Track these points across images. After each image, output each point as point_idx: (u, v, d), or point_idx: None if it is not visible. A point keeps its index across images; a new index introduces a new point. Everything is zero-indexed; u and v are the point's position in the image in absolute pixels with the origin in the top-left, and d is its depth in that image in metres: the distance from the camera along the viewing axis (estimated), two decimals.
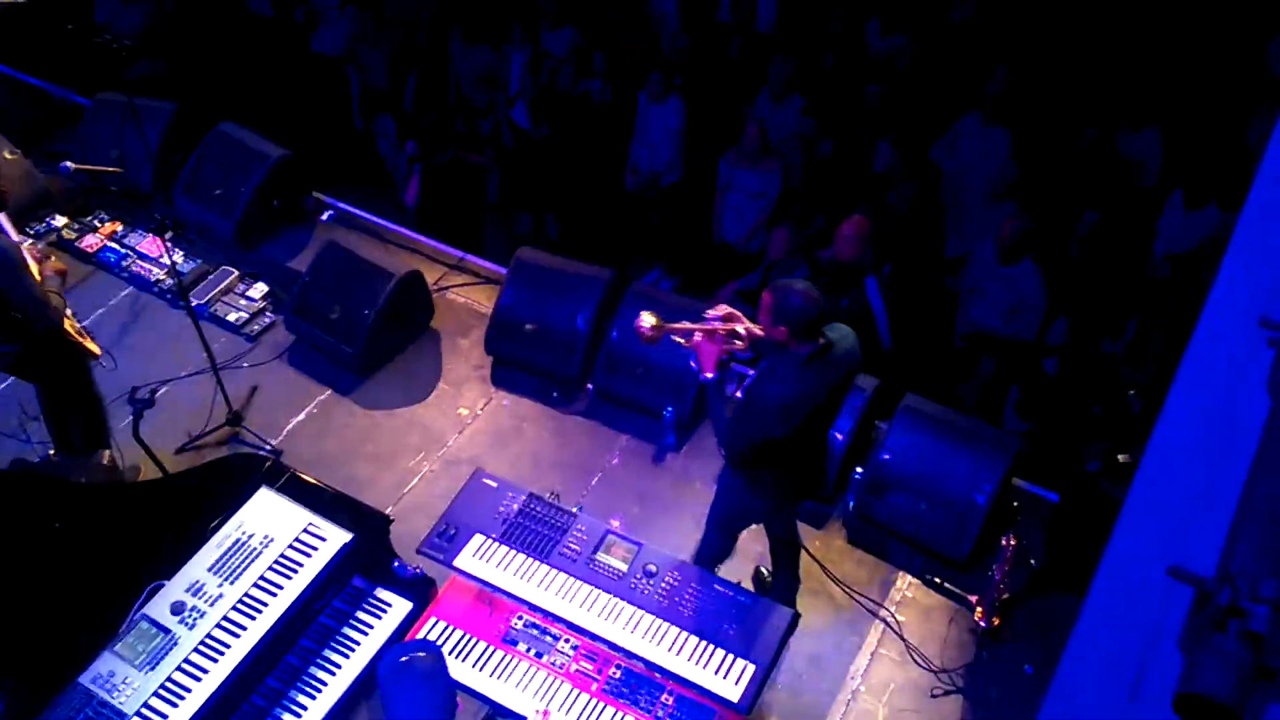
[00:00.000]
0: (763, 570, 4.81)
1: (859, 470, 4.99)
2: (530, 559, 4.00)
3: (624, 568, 3.96)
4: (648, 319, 3.77)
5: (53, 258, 5.47)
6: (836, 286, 5.78)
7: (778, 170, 6.55)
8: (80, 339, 4.78)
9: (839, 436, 4.91)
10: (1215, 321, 2.33)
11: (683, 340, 3.82)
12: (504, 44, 7.32)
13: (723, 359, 3.75)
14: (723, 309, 3.83)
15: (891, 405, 4.97)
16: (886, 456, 4.83)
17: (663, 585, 3.90)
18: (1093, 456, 5.33)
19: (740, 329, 3.75)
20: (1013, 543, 4.43)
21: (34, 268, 4.56)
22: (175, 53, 8.16)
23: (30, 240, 5.46)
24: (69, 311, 4.74)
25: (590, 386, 5.59)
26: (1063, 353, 5.61)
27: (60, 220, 6.54)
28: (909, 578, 4.78)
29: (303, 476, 4.05)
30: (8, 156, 6.48)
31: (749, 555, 4.74)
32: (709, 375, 3.74)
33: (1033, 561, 4.75)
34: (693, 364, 3.86)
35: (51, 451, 5.11)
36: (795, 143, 6.70)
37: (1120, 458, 4.91)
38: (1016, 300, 5.60)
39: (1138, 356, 5.43)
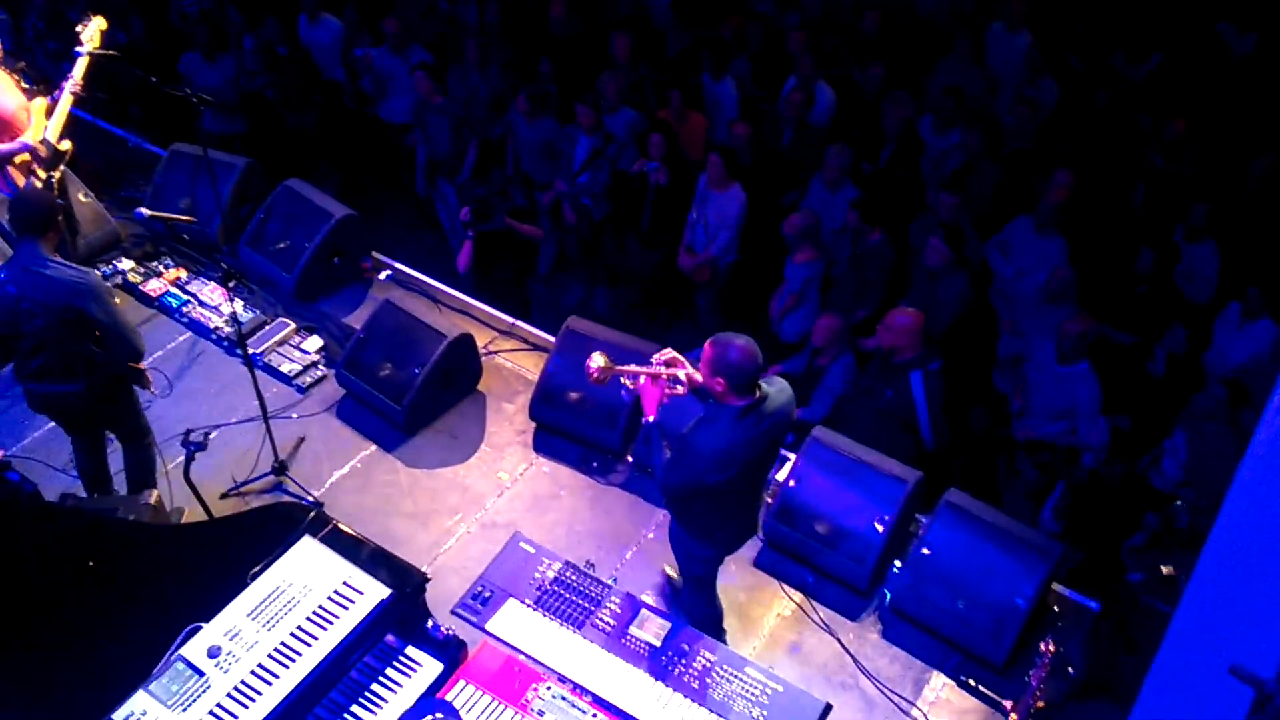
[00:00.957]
0: (668, 569, 4.87)
1: (897, 564, 4.95)
2: (563, 628, 4.00)
3: (656, 644, 3.95)
4: (597, 359, 3.94)
5: (117, 299, 5.66)
6: (881, 377, 5.81)
7: (804, 258, 6.64)
8: (142, 369, 4.90)
9: (879, 528, 4.88)
10: (1271, 433, 2.34)
11: (629, 382, 4.03)
12: (568, 123, 7.53)
13: (664, 403, 3.95)
14: (668, 353, 4.02)
15: (933, 499, 4.95)
16: (926, 551, 4.79)
17: (695, 665, 3.88)
18: (1136, 567, 5.26)
19: (681, 374, 3.94)
20: (1051, 649, 4.35)
21: None
22: (251, 112, 8.49)
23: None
24: None
25: (630, 459, 5.61)
26: (1109, 460, 5.57)
27: (127, 263, 6.73)
28: (943, 677, 4.68)
29: (344, 529, 4.08)
30: (82, 199, 6.72)
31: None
32: (649, 418, 3.95)
33: (1071, 670, 4.65)
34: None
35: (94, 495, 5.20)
36: (846, 233, 6.78)
37: (1164, 570, 4.85)
38: (1071, 402, 5.59)
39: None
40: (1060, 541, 4.89)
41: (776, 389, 3.96)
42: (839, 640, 4.77)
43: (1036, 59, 7.36)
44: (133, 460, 5.17)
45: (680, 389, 3.98)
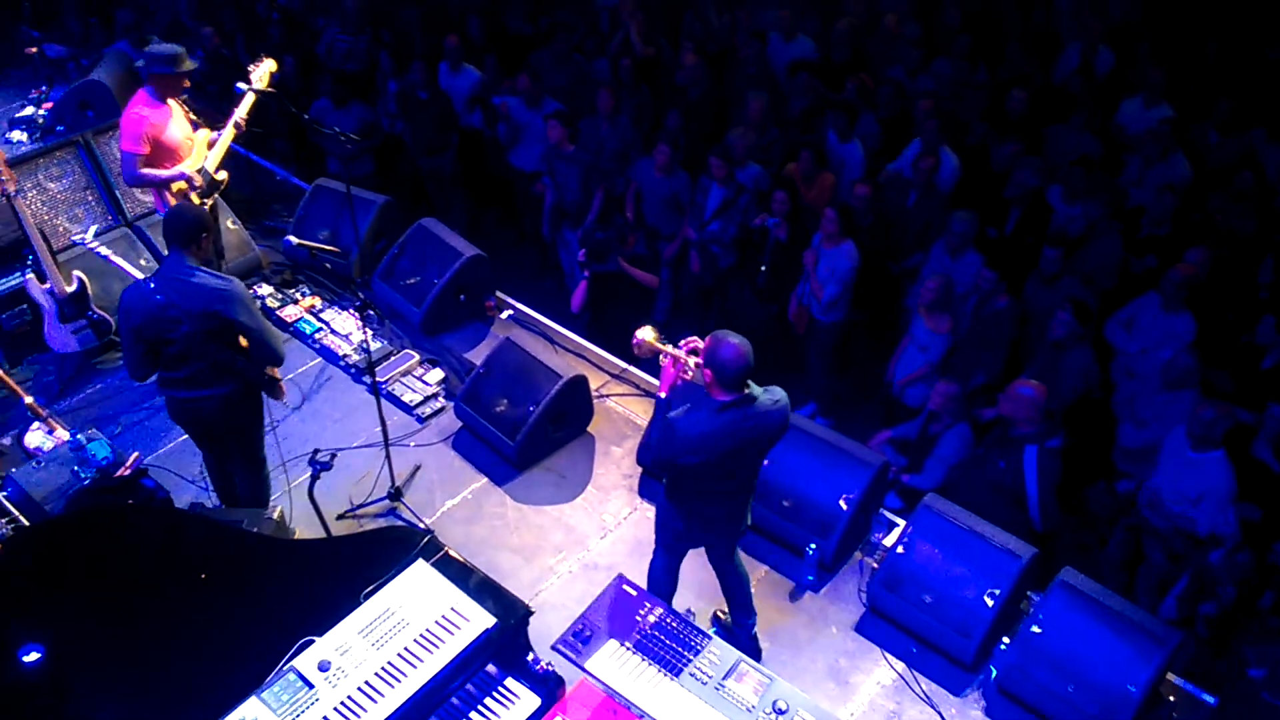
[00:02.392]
0: (719, 614, 5.08)
1: (1005, 641, 4.81)
2: (661, 673, 4.00)
3: (754, 700, 3.91)
4: (647, 333, 4.33)
5: None
6: (997, 447, 5.69)
7: (946, 329, 6.58)
8: (278, 377, 5.13)
9: (989, 602, 4.76)
10: None
11: (662, 359, 4.32)
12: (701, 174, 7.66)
13: (676, 384, 4.29)
14: (694, 341, 4.28)
15: (1047, 577, 4.80)
16: (1037, 630, 4.64)
17: None
18: (1257, 661, 4.99)
19: (691, 363, 4.26)
20: None
21: None
22: (380, 153, 8.86)
23: None
24: None
25: None
26: (1237, 548, 5.32)
27: (266, 289, 7.09)
28: None
29: (455, 556, 4.18)
30: (230, 226, 7.11)
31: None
32: (661, 395, 4.31)
33: None
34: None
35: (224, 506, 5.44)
36: (969, 299, 6.70)
37: None
38: (1201, 490, 5.37)
39: None
40: (1180, 630, 4.69)
41: (771, 398, 4.22)
42: (940, 714, 4.66)
43: (1168, 135, 7.19)
44: (248, 487, 5.35)
45: (689, 375, 4.32)
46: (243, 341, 4.86)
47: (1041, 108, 7.89)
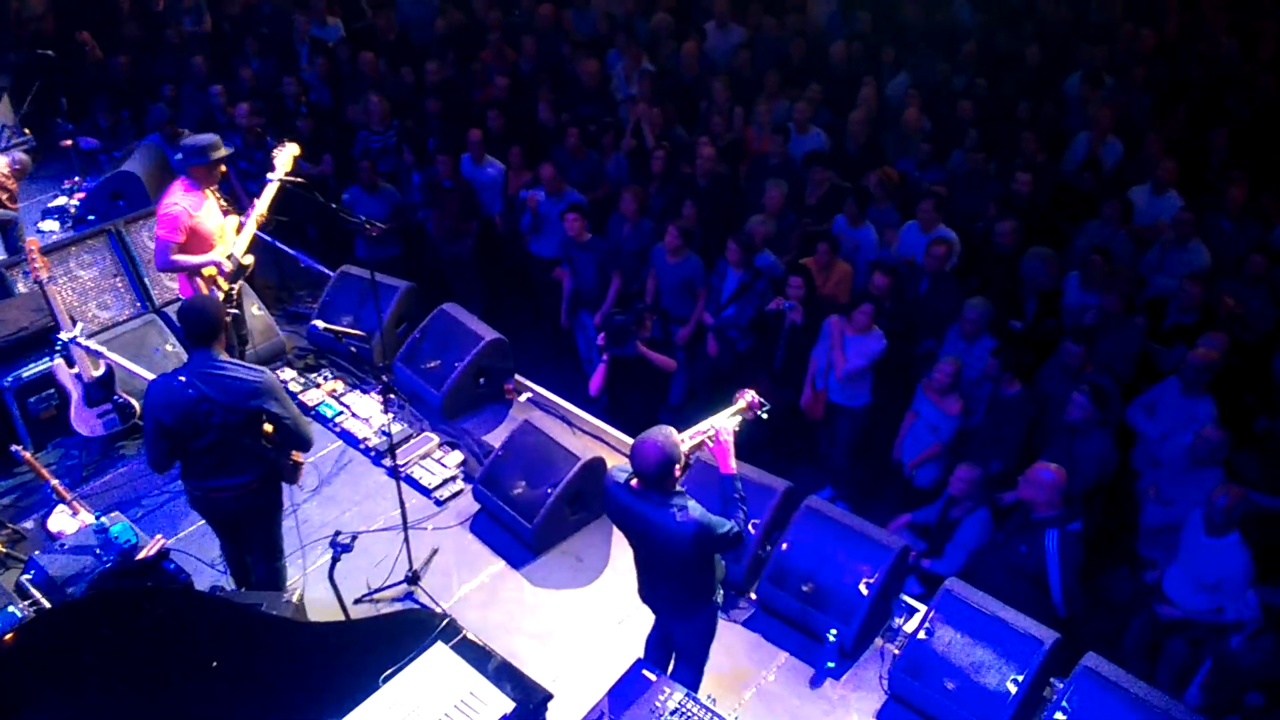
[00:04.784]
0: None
1: None
2: None
3: None
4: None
5: None
6: (1018, 531, 5.67)
7: (956, 411, 6.61)
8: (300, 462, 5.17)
9: (1011, 689, 4.70)
10: None
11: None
12: (707, 262, 7.79)
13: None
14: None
15: (1070, 663, 4.74)
16: (1061, 718, 4.57)
17: None
18: None
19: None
20: None
21: None
22: (407, 238, 9.06)
23: None
24: None
25: (754, 596, 5.57)
26: (1259, 632, 5.25)
27: (289, 373, 7.19)
28: None
29: (474, 639, 4.18)
30: (255, 312, 7.25)
31: None
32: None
33: None
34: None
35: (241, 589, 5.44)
36: (984, 384, 6.74)
37: None
38: (1220, 575, 5.33)
39: None
40: (1205, 717, 4.60)
41: (676, 508, 4.22)
42: None
43: (1189, 223, 7.30)
44: (263, 574, 5.35)
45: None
46: (267, 428, 4.89)
47: (1057, 200, 8.04)
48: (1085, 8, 10.73)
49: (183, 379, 4.72)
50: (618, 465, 4.48)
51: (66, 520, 5.73)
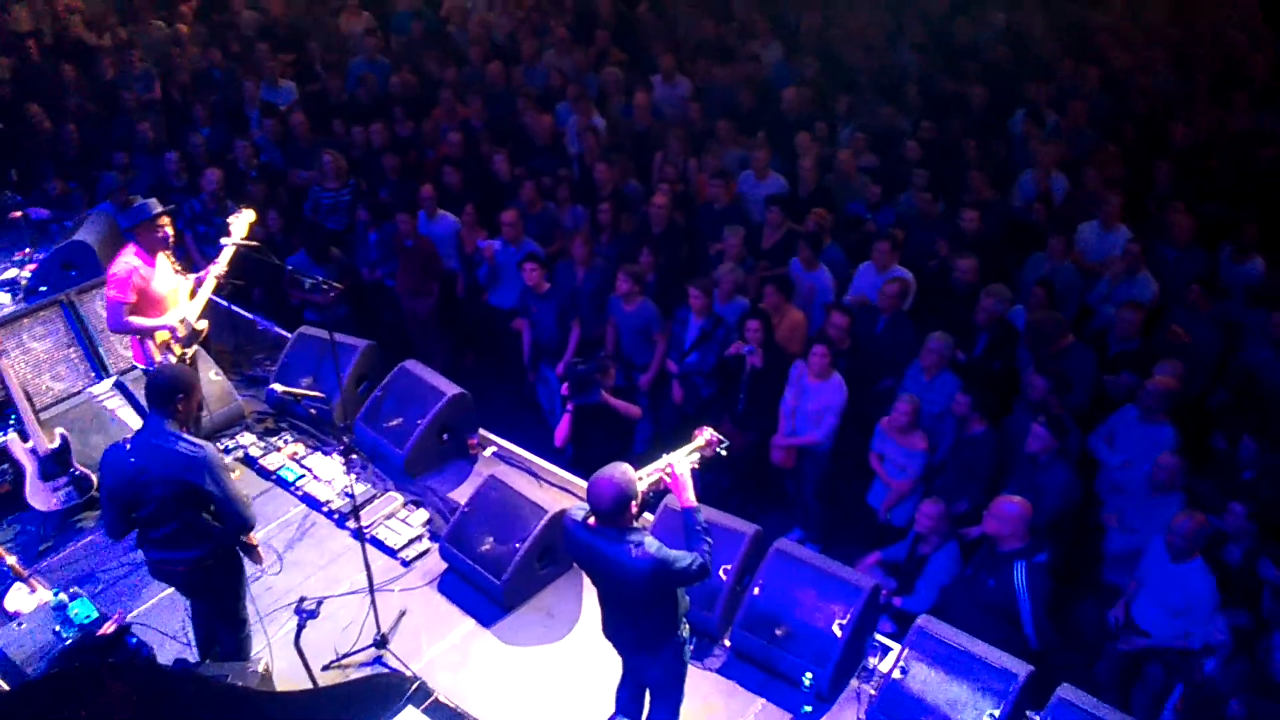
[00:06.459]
0: None
1: None
2: None
3: None
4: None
5: (235, 472, 5.96)
6: (985, 566, 5.71)
7: (922, 447, 6.66)
8: (254, 543, 5.11)
9: None
10: None
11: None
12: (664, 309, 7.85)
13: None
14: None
15: (1045, 694, 4.76)
16: None
17: None
18: None
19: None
20: None
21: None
22: (355, 299, 9.03)
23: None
24: None
25: (728, 643, 5.54)
26: (1231, 656, 5.30)
27: (249, 438, 7.09)
28: None
29: (445, 701, 4.14)
30: (212, 377, 7.17)
31: None
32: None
33: None
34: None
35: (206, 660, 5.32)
36: (945, 419, 6.81)
37: None
38: (1186, 601, 5.39)
39: None
40: None
41: (633, 544, 4.20)
42: None
43: (1137, 256, 7.48)
44: (228, 645, 5.25)
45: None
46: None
47: (1008, 235, 8.21)
48: (1026, 47, 11.06)
49: (128, 447, 4.76)
50: (577, 504, 4.49)
51: (24, 598, 5.60)
